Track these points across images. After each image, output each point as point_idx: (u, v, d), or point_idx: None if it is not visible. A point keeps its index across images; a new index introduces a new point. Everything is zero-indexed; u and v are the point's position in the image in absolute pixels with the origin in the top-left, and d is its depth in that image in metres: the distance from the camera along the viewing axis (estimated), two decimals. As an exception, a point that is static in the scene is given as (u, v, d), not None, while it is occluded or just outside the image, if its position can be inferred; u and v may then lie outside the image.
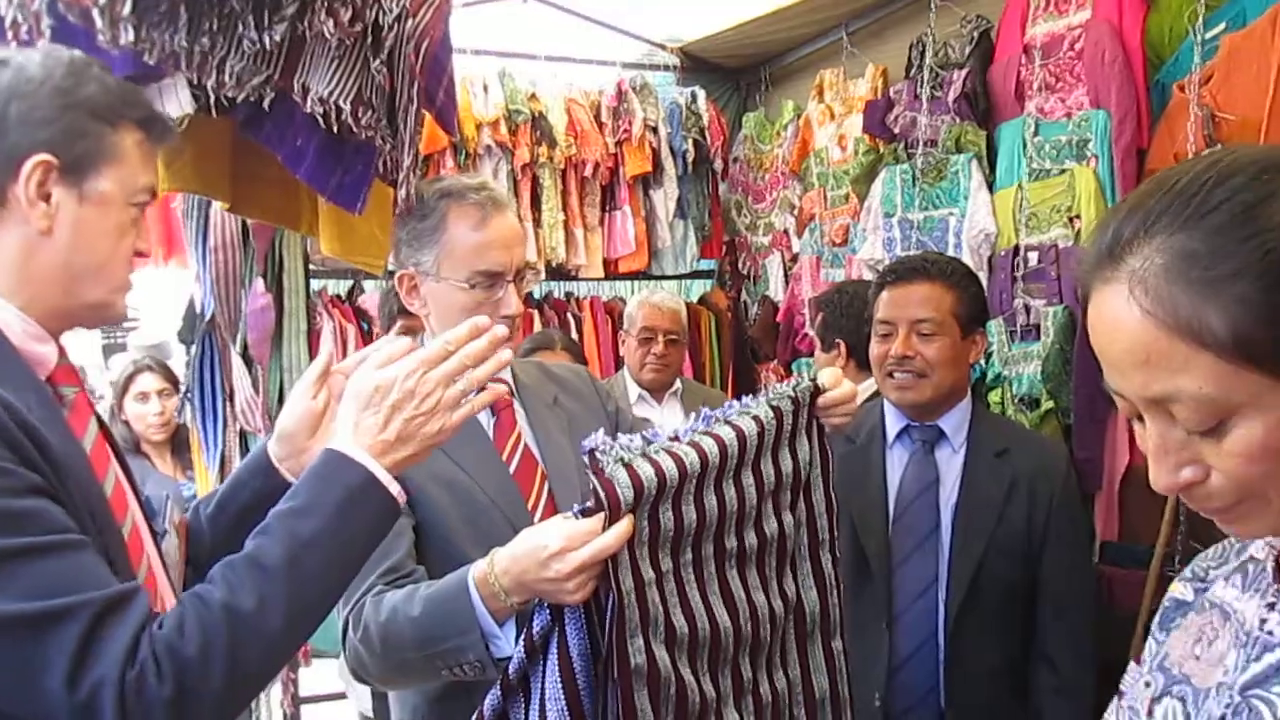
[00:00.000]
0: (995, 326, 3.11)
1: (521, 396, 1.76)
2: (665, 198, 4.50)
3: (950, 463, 2.18)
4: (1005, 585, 2.09)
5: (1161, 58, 2.82)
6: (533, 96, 4.25)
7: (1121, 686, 1.03)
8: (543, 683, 1.26)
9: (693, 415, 1.39)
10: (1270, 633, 0.83)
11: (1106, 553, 2.83)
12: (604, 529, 1.22)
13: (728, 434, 1.33)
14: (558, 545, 1.24)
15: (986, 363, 3.20)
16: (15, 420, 1.04)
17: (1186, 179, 0.75)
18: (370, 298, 4.14)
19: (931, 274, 2.16)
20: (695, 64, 4.74)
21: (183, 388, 2.45)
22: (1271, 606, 0.85)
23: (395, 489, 1.19)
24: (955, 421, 2.20)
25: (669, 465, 1.25)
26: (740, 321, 4.75)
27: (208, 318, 2.40)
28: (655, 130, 4.43)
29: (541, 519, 1.59)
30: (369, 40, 1.66)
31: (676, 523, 1.28)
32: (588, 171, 4.34)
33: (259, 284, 2.38)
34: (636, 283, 4.74)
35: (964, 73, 3.35)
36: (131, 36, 1.48)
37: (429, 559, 1.60)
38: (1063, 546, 2.12)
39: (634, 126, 4.36)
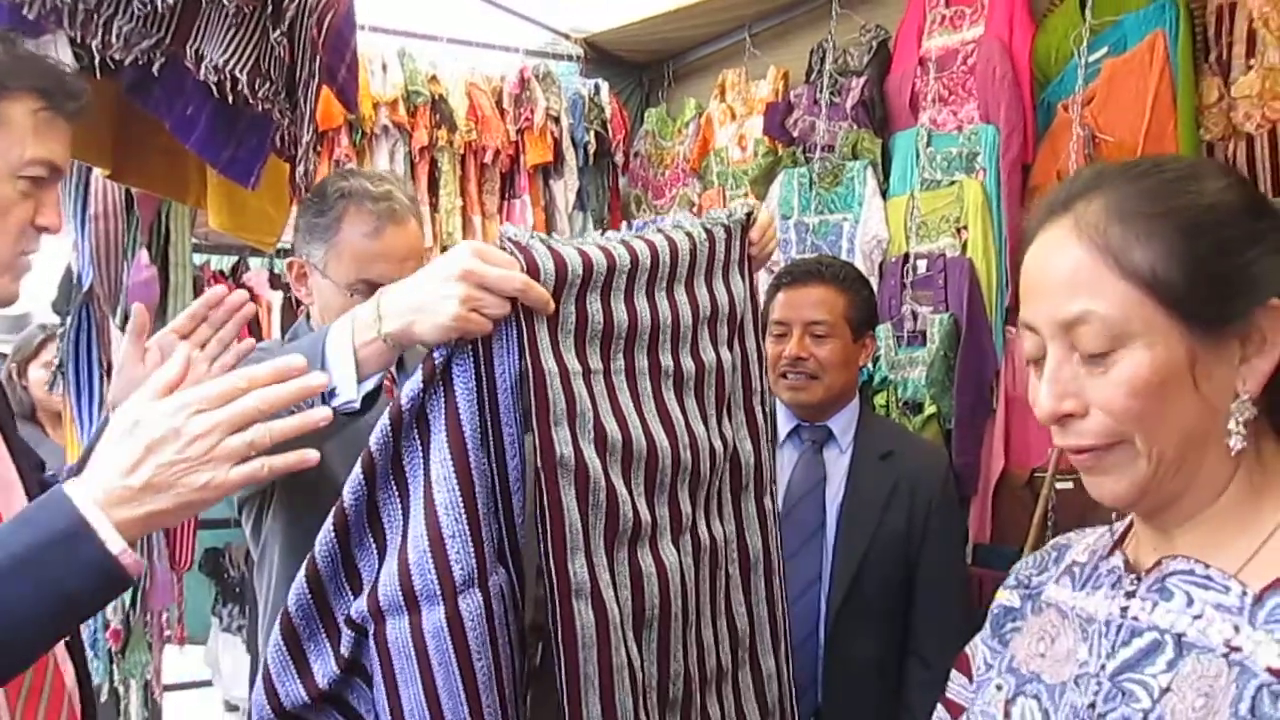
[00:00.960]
0: (884, 331, 3.19)
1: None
2: (565, 188, 4.48)
3: (837, 463, 2.23)
4: (884, 583, 2.15)
5: (1048, 77, 2.93)
6: (433, 78, 4.18)
7: (952, 697, 1.08)
8: (427, 455, 1.13)
9: (623, 225, 1.34)
10: (1135, 618, 0.88)
11: (979, 554, 2.94)
12: None
13: (660, 240, 1.28)
14: (469, 251, 1.10)
15: (874, 366, 3.28)
16: None
17: (1134, 160, 0.90)
18: (256, 275, 4.03)
19: (825, 277, 2.21)
20: (599, 56, 4.73)
21: (55, 360, 2.35)
22: (1130, 595, 0.90)
23: (118, 547, 0.95)
24: (843, 423, 2.25)
25: (595, 253, 1.19)
26: (635, 316, 4.76)
27: (85, 288, 2.29)
28: (557, 120, 4.40)
29: None
30: (269, 10, 1.61)
31: (606, 318, 1.21)
32: (487, 158, 4.29)
33: (143, 255, 2.29)
34: (533, 272, 4.70)
35: (862, 80, 3.42)
36: (13, -11, 1.40)
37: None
38: (939, 546, 2.19)
39: (536, 115, 4.33)
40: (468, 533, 1.10)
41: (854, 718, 2.13)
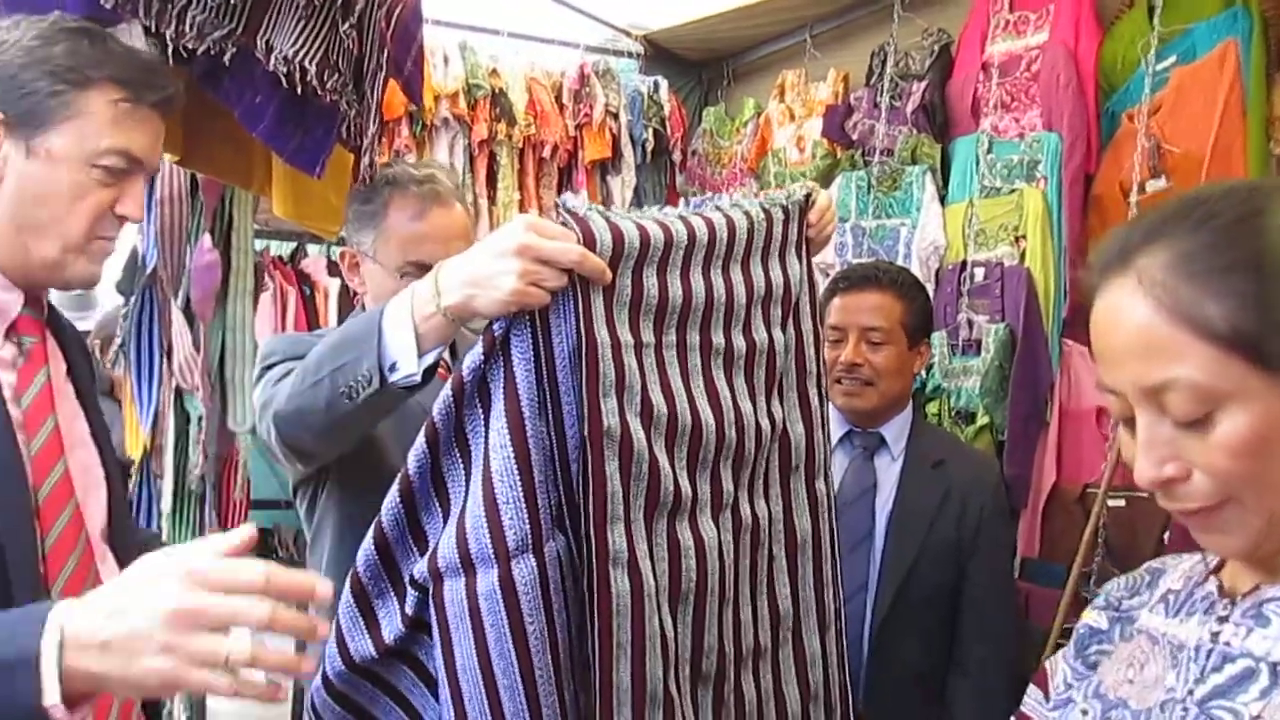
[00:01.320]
0: (938, 339, 3.16)
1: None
2: (623, 185, 4.49)
3: (888, 470, 2.22)
4: (931, 592, 2.13)
5: (1114, 85, 2.89)
6: (494, 72, 4.21)
7: (1027, 712, 1.06)
8: (487, 424, 1.15)
9: (681, 201, 1.35)
10: (1228, 644, 0.86)
11: (1026, 569, 2.90)
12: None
13: (718, 218, 1.29)
14: (523, 225, 1.12)
15: (927, 374, 3.25)
16: None
17: (1188, 199, 0.83)
18: (314, 261, 4.09)
19: (883, 283, 2.19)
20: (658, 53, 4.73)
21: (117, 339, 2.41)
22: (1223, 620, 0.88)
23: (51, 699, 0.84)
24: (896, 430, 2.23)
25: (652, 228, 1.21)
26: (687, 315, 4.75)
27: (149, 270, 2.35)
28: (616, 117, 4.42)
29: None
30: (339, 2, 1.63)
31: (661, 292, 1.22)
32: (546, 153, 4.32)
33: (206, 240, 2.33)
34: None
35: (923, 85, 3.39)
36: (91, -23, 1.44)
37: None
38: (988, 559, 2.17)
39: (595, 111, 4.34)
40: (522, 499, 1.12)
41: (895, 725, 2.12)
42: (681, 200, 1.34)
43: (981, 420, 3.05)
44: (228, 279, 2.44)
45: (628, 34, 4.69)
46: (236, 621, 0.88)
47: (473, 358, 1.15)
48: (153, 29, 1.57)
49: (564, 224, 1.13)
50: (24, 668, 0.84)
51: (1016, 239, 3.03)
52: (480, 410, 1.15)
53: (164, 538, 2.35)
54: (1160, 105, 2.69)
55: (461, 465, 1.17)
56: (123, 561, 1.36)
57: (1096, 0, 2.93)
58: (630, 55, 4.67)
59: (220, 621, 0.87)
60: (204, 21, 1.58)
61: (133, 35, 1.63)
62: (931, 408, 3.19)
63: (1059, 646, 2.76)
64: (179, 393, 2.35)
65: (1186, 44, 2.67)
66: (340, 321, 3.60)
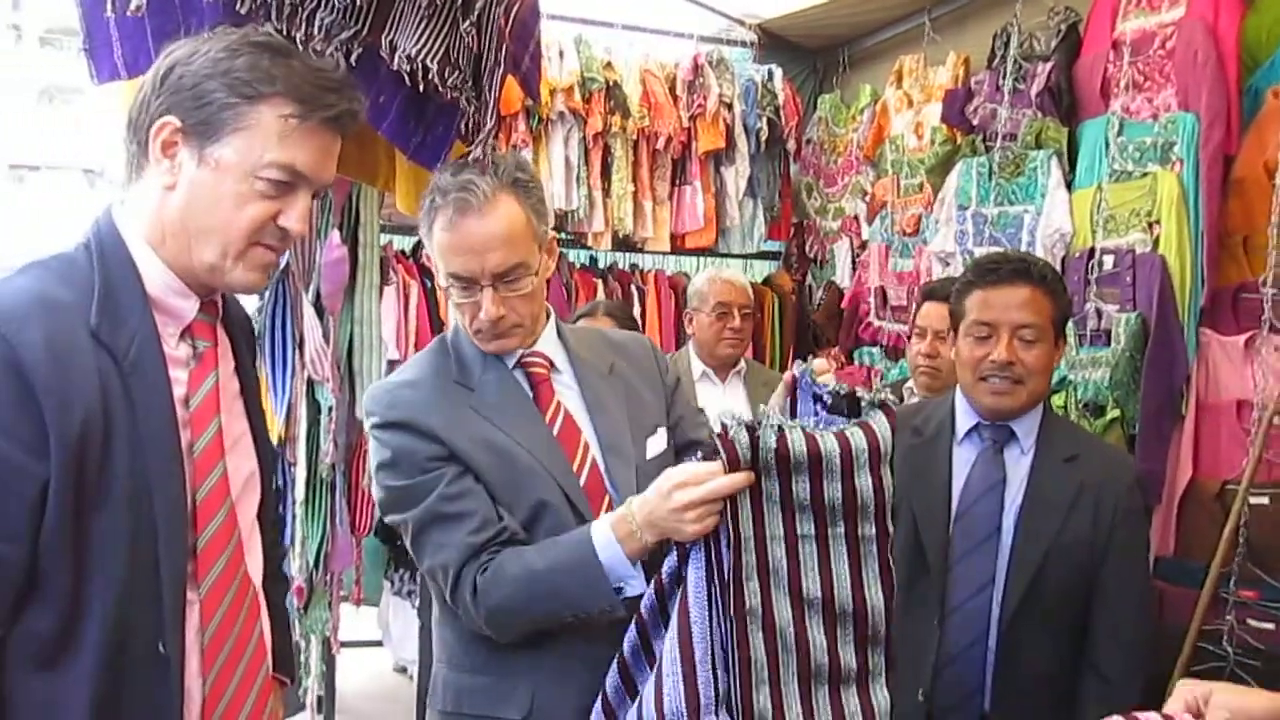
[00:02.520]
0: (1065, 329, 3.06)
1: (574, 365, 1.75)
2: (736, 175, 4.47)
3: (1018, 464, 2.15)
4: (1062, 591, 2.06)
5: (1257, 61, 2.75)
6: (608, 65, 4.24)
7: None
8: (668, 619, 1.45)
9: (797, 404, 1.53)
10: None
11: (1160, 567, 2.79)
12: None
13: (830, 440, 1.45)
14: (680, 478, 1.40)
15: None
16: (21, 378, 1.10)
17: None
18: (435, 256, 4.18)
19: (1033, 277, 2.10)
20: (772, 41, 4.70)
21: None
22: None
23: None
24: (1027, 424, 2.16)
25: (797, 440, 1.41)
26: (804, 305, 4.72)
27: (282, 266, 2.43)
28: (730, 107, 4.40)
29: (585, 484, 1.63)
30: (459, 1, 1.66)
31: (812, 494, 1.44)
32: (659, 144, 4.33)
33: (335, 236, 2.41)
34: (702, 259, 4.72)
35: (1049, 66, 3.28)
36: (226, -15, 1.50)
37: None
38: (1123, 558, 2.09)
39: (709, 102, 4.33)
40: (680, 676, 1.40)
41: (1022, 726, 2.07)
42: (797, 405, 1.54)
43: (1112, 413, 2.94)
44: (355, 274, 2.52)
45: (741, 23, 4.67)
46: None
47: (669, 561, 1.46)
48: (283, 32, 1.62)
49: (714, 448, 1.40)
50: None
51: (1149, 225, 2.91)
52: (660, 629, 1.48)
53: (297, 523, 2.45)
54: (1310, 82, 2.55)
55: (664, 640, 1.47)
56: (267, 556, 1.43)
57: (1239, -29, 2.79)
58: (744, 44, 4.65)
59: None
60: (331, 23, 1.63)
61: (264, 39, 1.69)
62: (1057, 399, 3.08)
63: (1196, 649, 2.66)
64: (310, 384, 2.44)
65: (1340, 16, 2.53)
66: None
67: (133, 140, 1.26)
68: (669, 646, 1.42)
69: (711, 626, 1.41)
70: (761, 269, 4.93)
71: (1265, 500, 2.55)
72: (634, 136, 4.27)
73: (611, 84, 4.19)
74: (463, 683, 1.67)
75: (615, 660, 1.50)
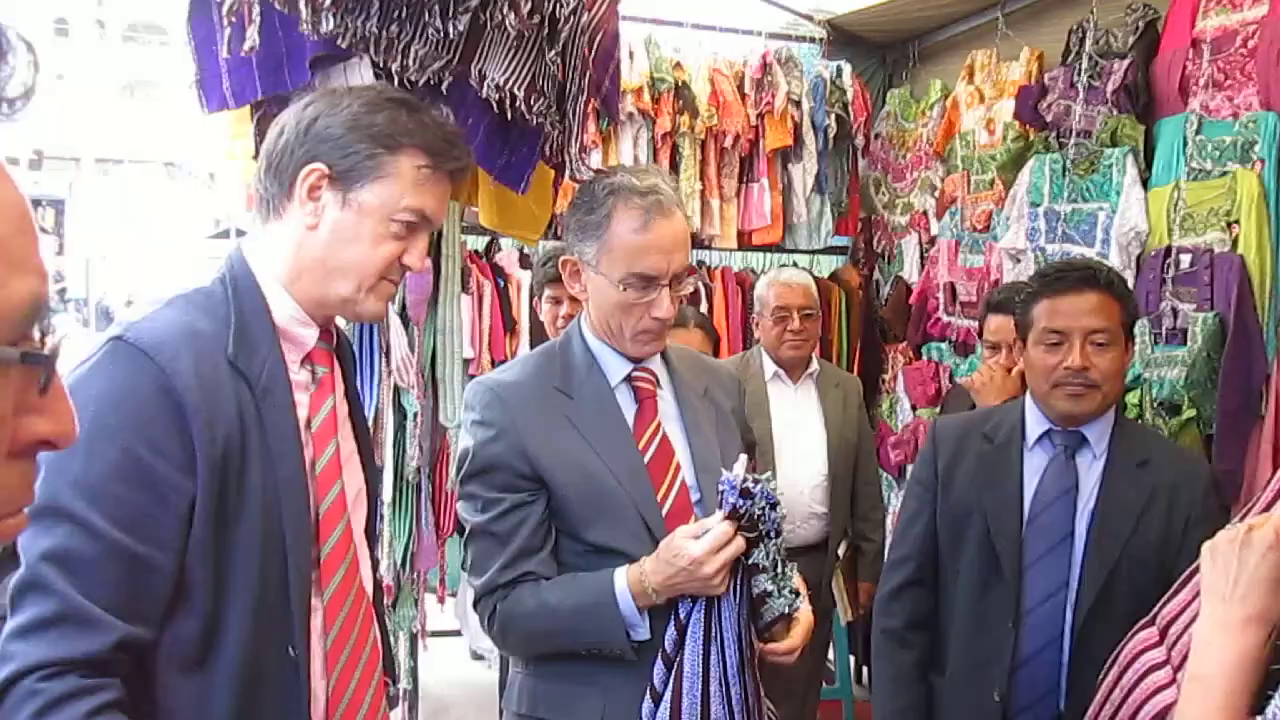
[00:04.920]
0: (1139, 327, 3.04)
1: (675, 383, 1.82)
2: (804, 172, 4.47)
3: (1090, 469, 2.17)
4: (1136, 594, 2.07)
5: (1343, 60, 2.70)
6: (677, 65, 4.26)
7: None
8: (683, 657, 1.61)
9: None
10: None
11: (1240, 569, 2.77)
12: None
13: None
14: (699, 553, 1.55)
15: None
16: (174, 402, 1.21)
17: None
18: (507, 255, 4.27)
19: (1100, 283, 2.11)
20: (841, 37, 4.69)
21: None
22: None
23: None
24: (1099, 429, 2.18)
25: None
26: (871, 300, 4.71)
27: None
28: (798, 104, 4.40)
29: (671, 509, 1.70)
30: (545, 31, 1.72)
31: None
32: (727, 142, 4.35)
33: (419, 250, 2.50)
34: (769, 255, 4.74)
35: (1125, 63, 3.25)
36: (331, 25, 1.58)
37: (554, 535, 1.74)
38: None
39: (776, 99, 4.34)
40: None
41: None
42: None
43: (1188, 412, 2.92)
44: (438, 285, 2.61)
45: (810, 19, 4.67)
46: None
47: (684, 605, 1.63)
48: (381, 65, 1.70)
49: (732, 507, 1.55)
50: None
51: (1228, 224, 2.88)
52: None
53: (384, 524, 2.56)
54: (1395, 79, 2.50)
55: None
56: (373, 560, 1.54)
57: (1324, -33, 2.75)
58: (812, 40, 4.64)
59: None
60: (425, 55, 1.70)
61: (362, 69, 1.77)
62: (1131, 398, 3.08)
63: (1276, 649, 2.65)
64: (396, 391, 2.53)
65: None
66: (531, 312, 3.76)
67: (274, 182, 1.37)
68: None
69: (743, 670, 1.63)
70: (829, 264, 4.93)
71: (1348, 502, 2.52)
72: (702, 136, 4.29)
73: (680, 84, 4.22)
74: (538, 688, 1.76)
75: (647, 691, 1.64)
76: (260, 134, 1.81)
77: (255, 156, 1.86)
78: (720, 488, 1.57)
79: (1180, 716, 1.06)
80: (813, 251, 4.72)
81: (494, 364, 4.06)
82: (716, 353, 3.24)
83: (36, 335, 0.56)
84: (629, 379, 1.76)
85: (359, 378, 2.54)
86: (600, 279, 1.70)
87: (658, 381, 1.79)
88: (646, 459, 1.73)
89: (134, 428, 1.18)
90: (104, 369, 1.21)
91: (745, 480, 1.53)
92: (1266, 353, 2.80)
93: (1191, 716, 1.04)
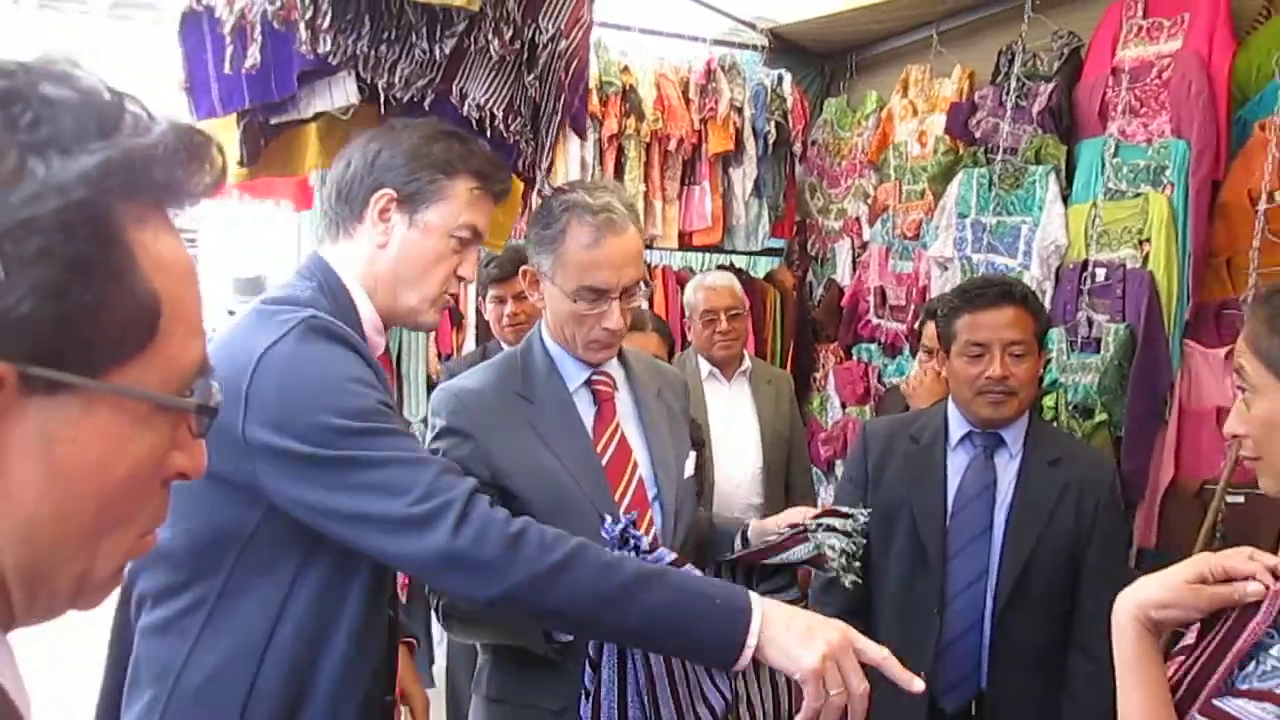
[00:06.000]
0: (1056, 335, 3.27)
1: (632, 384, 1.92)
2: (744, 176, 4.63)
3: (1007, 467, 2.36)
4: (1049, 580, 2.28)
5: (1246, 95, 2.93)
6: (625, 69, 4.37)
7: None
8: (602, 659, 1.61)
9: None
10: None
11: (1143, 559, 3.01)
12: None
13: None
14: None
15: (1045, 368, 3.35)
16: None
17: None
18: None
19: (1016, 298, 2.31)
20: (782, 45, 4.84)
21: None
22: None
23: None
24: (1015, 431, 2.37)
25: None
26: (804, 301, 4.89)
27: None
28: (740, 110, 4.55)
29: (627, 506, 1.78)
30: (525, 56, 1.83)
31: None
32: (671, 146, 4.48)
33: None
34: (709, 255, 4.89)
35: (1050, 86, 3.46)
36: (327, 46, 1.67)
37: None
38: (1103, 547, 2.31)
39: (720, 106, 4.48)
40: None
41: (1016, 699, 2.28)
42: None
43: (1100, 416, 3.14)
44: (405, 285, 2.69)
45: (753, 26, 4.81)
46: None
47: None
48: (368, 81, 1.79)
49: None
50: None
51: (1140, 242, 3.10)
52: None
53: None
54: (1292, 117, 2.73)
55: None
56: None
57: (1232, 10, 2.97)
58: (754, 47, 4.78)
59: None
60: (410, 73, 1.80)
61: (346, 84, 1.86)
62: (1048, 401, 3.29)
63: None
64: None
65: (1322, 56, 2.71)
66: (478, 309, 3.84)
67: (344, 207, 1.57)
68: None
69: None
70: (765, 265, 5.10)
71: (1241, 499, 2.75)
72: (647, 139, 4.41)
73: (628, 88, 4.33)
74: (507, 673, 1.82)
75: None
76: (247, 140, 1.89)
77: (241, 161, 1.94)
78: (603, 535, 1.57)
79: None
80: (750, 253, 4.88)
81: (440, 357, 4.14)
82: (671, 354, 3.36)
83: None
84: (588, 383, 1.85)
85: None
86: (555, 290, 1.79)
87: (615, 384, 1.89)
88: (605, 460, 1.81)
89: None
90: None
91: (625, 529, 1.56)
92: (1172, 363, 3.03)
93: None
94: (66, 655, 4.04)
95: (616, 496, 1.80)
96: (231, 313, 5.16)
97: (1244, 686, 1.14)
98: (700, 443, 2.04)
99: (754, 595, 1.40)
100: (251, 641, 1.42)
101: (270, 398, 1.36)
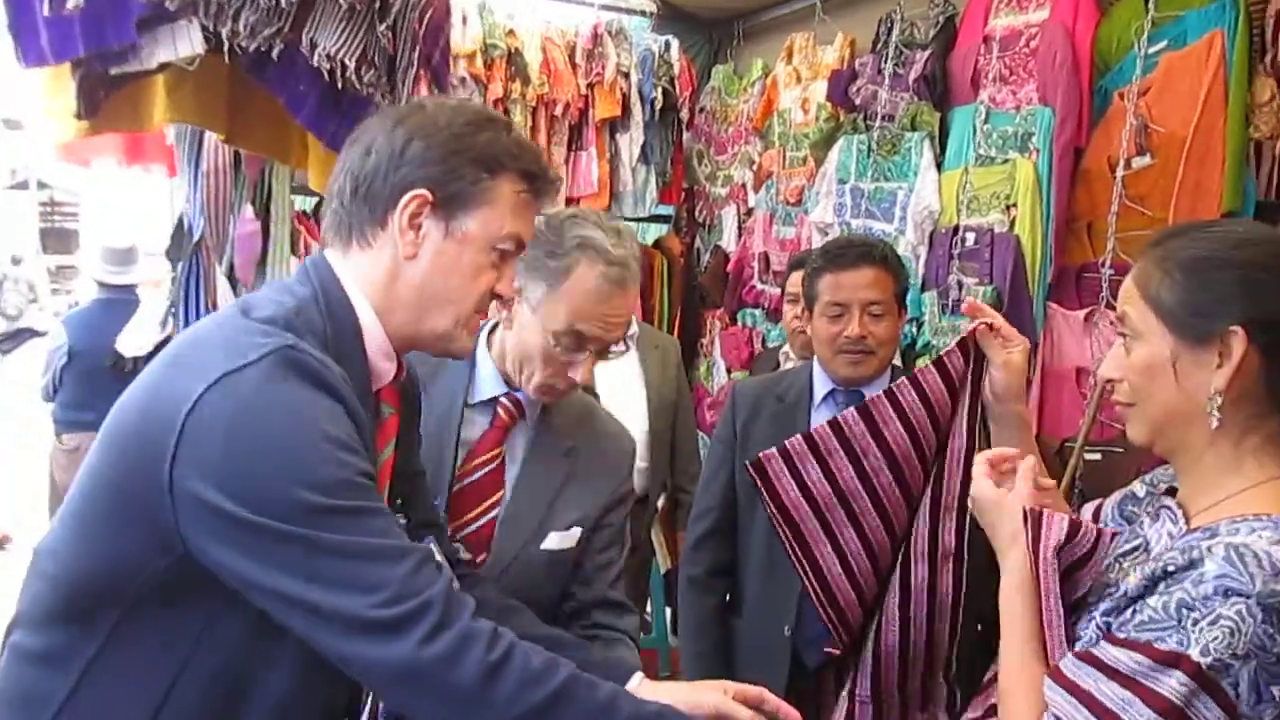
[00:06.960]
0: (929, 298, 3.34)
1: (538, 428, 1.76)
2: (630, 142, 4.61)
3: (870, 424, 2.41)
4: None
5: (1108, 64, 3.01)
6: (510, 32, 4.31)
7: None
8: None
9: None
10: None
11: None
12: None
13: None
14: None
15: (918, 330, 3.43)
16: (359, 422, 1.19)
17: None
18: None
19: (876, 258, 2.34)
20: (670, 12, 4.82)
21: (168, 302, 2.57)
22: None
23: None
24: (876, 388, 2.40)
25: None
26: (691, 268, 4.92)
27: (196, 238, 2.51)
28: (627, 76, 4.53)
29: (475, 532, 1.68)
30: (377, 5, 1.78)
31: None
32: (558, 111, 4.44)
33: (248, 210, 2.49)
34: (596, 221, 4.85)
35: (926, 54, 3.51)
36: (160, -13, 1.59)
37: None
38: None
39: (607, 71, 4.45)
40: None
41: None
42: None
43: (969, 377, 3.22)
44: (267, 246, 2.61)
45: (642, -8, 4.78)
46: None
47: None
48: (210, 28, 1.72)
49: None
50: None
51: (1007, 207, 3.18)
52: None
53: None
54: (1149, 87, 2.82)
55: None
56: None
57: (1096, -19, 3.05)
58: (643, 14, 4.76)
59: None
60: (256, 21, 1.73)
61: (191, 32, 1.78)
62: (921, 362, 3.36)
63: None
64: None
65: (1178, 30, 2.80)
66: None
67: (363, 208, 1.26)
68: None
69: None
70: (653, 232, 5.11)
71: (1098, 456, 2.85)
72: (533, 103, 4.36)
73: (513, 51, 4.27)
74: None
75: None
76: (84, 92, 1.81)
77: (78, 114, 1.85)
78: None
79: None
80: (638, 219, 4.87)
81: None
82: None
83: None
84: (494, 400, 1.72)
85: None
86: (534, 321, 1.63)
87: (523, 415, 1.74)
88: (464, 483, 1.69)
89: None
90: None
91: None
92: (1035, 324, 3.12)
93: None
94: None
95: (475, 512, 1.69)
96: (101, 284, 4.94)
97: (1121, 635, 1.14)
98: (620, 531, 1.92)
99: None
100: (150, 690, 1.18)
101: (215, 439, 1.09)
